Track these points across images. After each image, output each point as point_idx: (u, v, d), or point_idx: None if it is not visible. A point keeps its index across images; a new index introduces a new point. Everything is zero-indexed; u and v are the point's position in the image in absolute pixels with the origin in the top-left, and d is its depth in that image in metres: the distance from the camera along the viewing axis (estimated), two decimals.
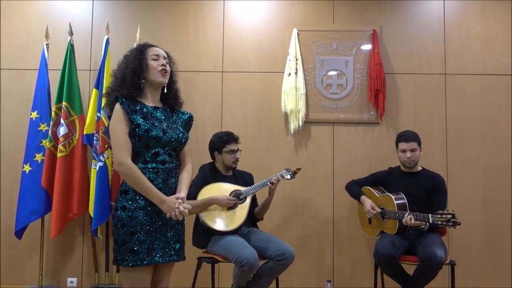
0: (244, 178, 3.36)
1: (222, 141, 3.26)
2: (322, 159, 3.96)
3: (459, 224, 2.86)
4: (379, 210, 3.27)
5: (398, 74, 4.01)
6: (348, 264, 3.89)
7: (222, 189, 3.16)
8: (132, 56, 2.20)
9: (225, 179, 3.25)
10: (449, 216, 2.87)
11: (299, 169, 3.40)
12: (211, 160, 3.35)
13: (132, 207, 2.09)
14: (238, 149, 3.28)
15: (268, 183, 3.22)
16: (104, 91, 2.32)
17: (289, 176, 3.33)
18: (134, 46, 3.66)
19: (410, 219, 3.00)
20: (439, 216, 2.91)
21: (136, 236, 2.06)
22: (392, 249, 3.04)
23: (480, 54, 4.01)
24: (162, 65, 2.19)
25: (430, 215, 2.95)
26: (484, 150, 3.94)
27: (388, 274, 3.18)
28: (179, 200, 2.10)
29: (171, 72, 2.28)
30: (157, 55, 2.21)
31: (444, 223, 2.88)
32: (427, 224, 3.01)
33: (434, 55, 4.02)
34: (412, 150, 3.30)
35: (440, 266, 2.94)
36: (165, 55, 2.25)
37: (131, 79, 2.16)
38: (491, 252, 3.87)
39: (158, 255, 2.10)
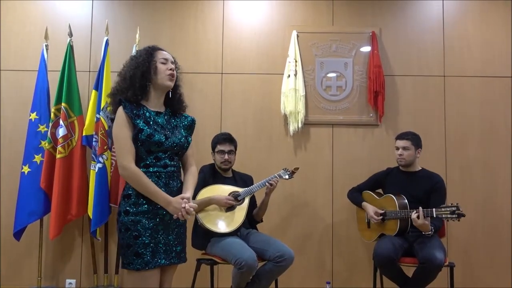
0: (244, 180, 3.35)
1: (214, 141, 3.32)
2: (322, 161, 3.96)
3: (464, 216, 2.88)
4: (382, 212, 3.26)
5: (397, 76, 4.01)
6: (347, 265, 3.88)
7: (221, 191, 3.15)
8: (142, 58, 2.21)
9: (224, 181, 3.25)
10: (453, 208, 2.88)
11: (297, 168, 3.40)
12: (212, 162, 3.35)
13: (135, 212, 2.11)
14: (231, 150, 3.27)
15: (267, 183, 3.22)
16: (109, 90, 2.32)
17: (287, 176, 3.33)
18: (133, 47, 3.79)
19: (418, 216, 2.97)
20: (443, 209, 2.92)
21: (140, 239, 2.09)
22: (392, 251, 3.03)
23: (479, 56, 4.02)
24: (171, 69, 2.21)
25: (434, 209, 2.96)
26: (483, 151, 3.94)
27: (387, 276, 3.18)
28: (185, 200, 2.11)
29: (176, 76, 2.29)
30: (166, 59, 2.23)
31: (449, 216, 2.88)
32: (432, 230, 3.02)
33: (433, 57, 4.02)
34: (404, 148, 3.31)
35: (439, 268, 2.94)
36: (172, 60, 2.27)
37: (140, 81, 2.17)
38: (490, 253, 3.87)
39: (161, 257, 2.13)
